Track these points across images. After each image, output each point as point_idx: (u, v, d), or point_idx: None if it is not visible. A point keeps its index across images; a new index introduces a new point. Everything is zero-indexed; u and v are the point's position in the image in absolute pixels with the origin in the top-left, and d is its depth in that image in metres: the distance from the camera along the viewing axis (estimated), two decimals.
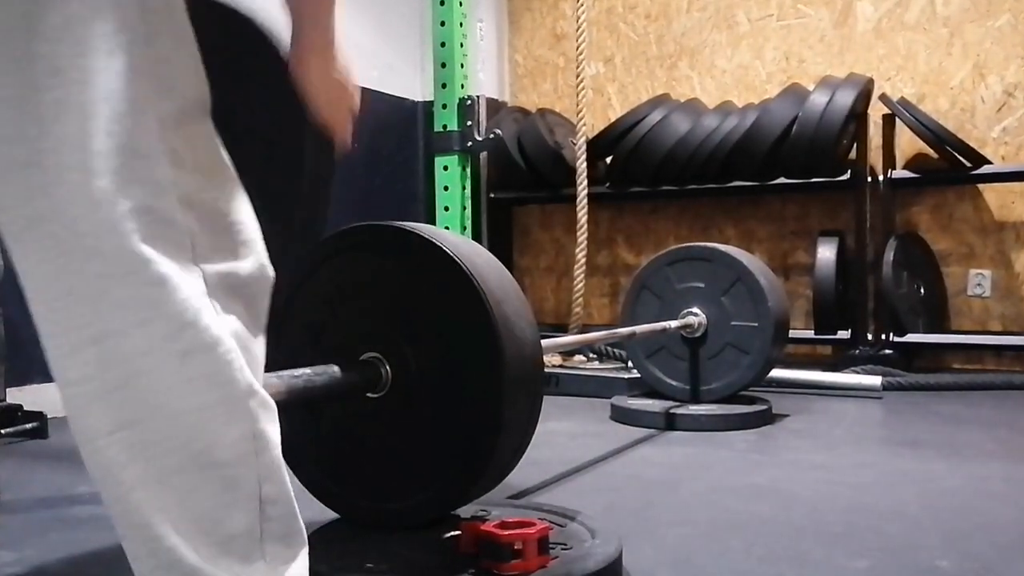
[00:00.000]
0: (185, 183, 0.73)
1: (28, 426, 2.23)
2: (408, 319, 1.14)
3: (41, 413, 2.26)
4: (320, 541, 1.17)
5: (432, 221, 2.54)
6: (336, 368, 1.10)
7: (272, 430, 0.76)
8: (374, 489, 1.19)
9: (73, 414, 0.70)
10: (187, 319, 0.69)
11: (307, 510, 1.21)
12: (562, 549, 1.11)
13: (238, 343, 0.74)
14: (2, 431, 2.18)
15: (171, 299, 0.69)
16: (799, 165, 3.24)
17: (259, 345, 0.80)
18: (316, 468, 1.23)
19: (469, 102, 2.47)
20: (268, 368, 1.11)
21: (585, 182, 3.10)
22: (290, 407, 1.07)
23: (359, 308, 1.19)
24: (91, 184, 0.67)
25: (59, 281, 0.68)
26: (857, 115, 3.24)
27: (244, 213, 0.79)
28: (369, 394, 1.15)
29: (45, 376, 2.70)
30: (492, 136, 2.61)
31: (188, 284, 0.70)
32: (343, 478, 1.22)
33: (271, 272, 0.81)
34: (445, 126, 2.49)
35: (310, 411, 1.21)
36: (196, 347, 0.70)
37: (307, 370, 1.07)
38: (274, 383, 1.00)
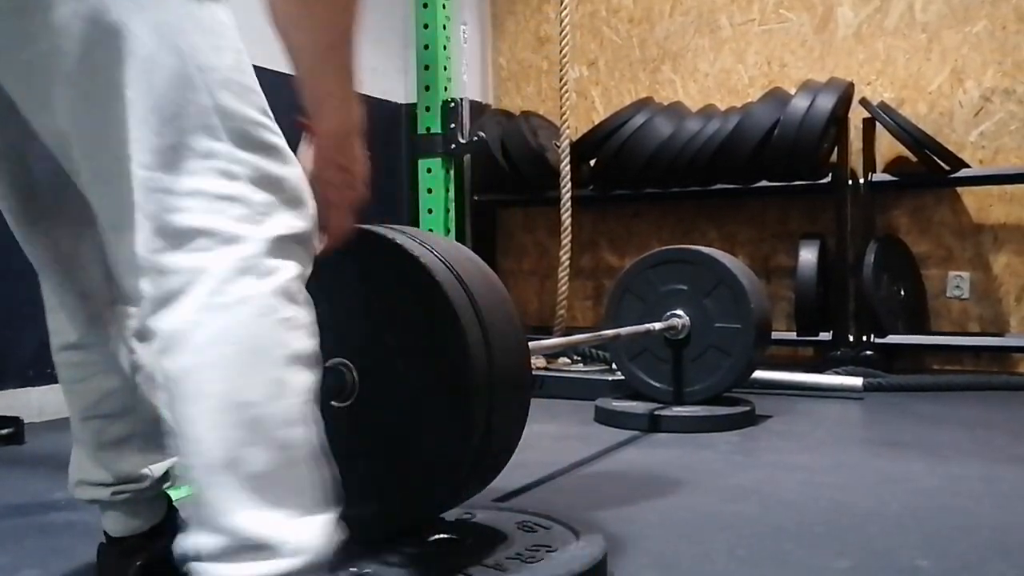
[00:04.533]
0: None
1: (4, 431, 2.20)
2: (385, 324, 1.12)
3: (17, 419, 2.23)
4: None
5: (416, 223, 2.54)
6: None
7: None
8: (351, 497, 1.16)
9: None
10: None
11: None
12: (546, 551, 1.11)
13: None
14: None
15: None
16: (781, 168, 3.26)
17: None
18: None
19: (453, 105, 2.47)
20: None
21: (569, 185, 3.11)
22: None
23: (329, 313, 1.16)
24: None
25: None
26: (838, 119, 3.27)
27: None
28: (334, 402, 1.12)
29: (22, 380, 2.69)
30: (476, 139, 2.62)
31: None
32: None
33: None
34: (429, 129, 2.48)
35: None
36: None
37: None
38: None
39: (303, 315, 0.84)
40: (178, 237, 0.79)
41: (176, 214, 0.79)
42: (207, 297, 0.78)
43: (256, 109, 0.88)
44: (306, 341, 0.84)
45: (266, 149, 0.87)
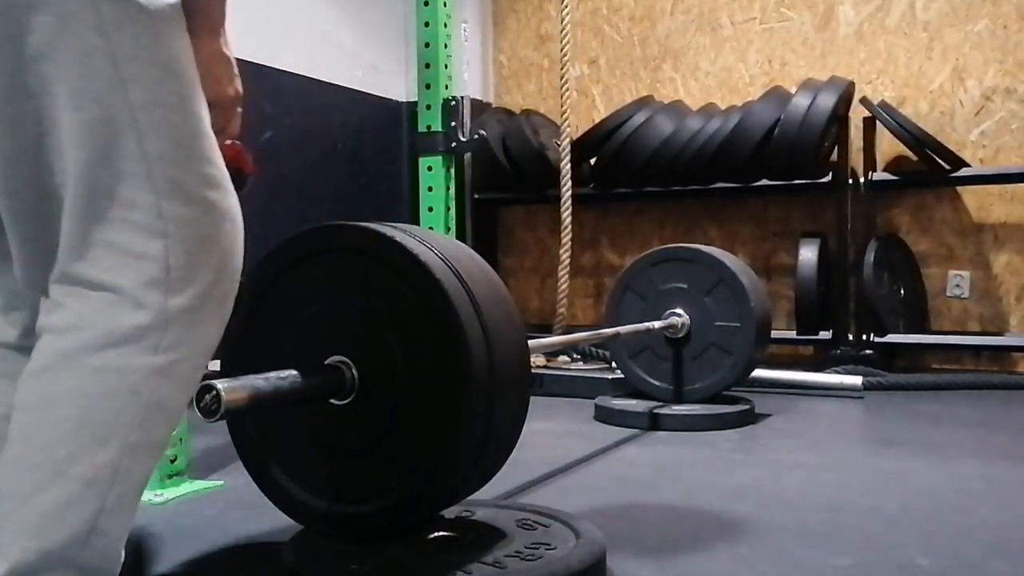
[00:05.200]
0: None
1: None
2: (386, 322, 1.11)
3: None
4: (303, 542, 1.17)
5: (416, 221, 2.54)
6: (297, 373, 1.06)
7: None
8: (349, 495, 1.16)
9: None
10: None
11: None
12: (546, 549, 1.11)
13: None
14: None
15: None
16: (781, 167, 3.26)
17: None
18: (284, 475, 1.20)
19: (453, 103, 2.46)
20: (236, 372, 1.09)
21: (569, 183, 3.11)
22: (254, 411, 1.05)
23: (329, 311, 1.16)
24: None
25: None
26: (839, 118, 3.27)
27: None
28: (334, 400, 1.12)
29: None
30: (476, 137, 2.61)
31: None
32: (315, 485, 1.18)
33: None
34: (429, 127, 2.47)
35: (277, 415, 1.18)
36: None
37: (271, 374, 1.04)
38: (239, 386, 0.99)
39: (176, 403, 0.79)
40: (80, 283, 0.75)
41: (82, 263, 0.75)
42: (81, 353, 0.73)
43: (197, 158, 0.80)
44: (164, 432, 0.78)
45: (201, 204, 0.79)
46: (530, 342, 1.24)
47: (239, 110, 0.95)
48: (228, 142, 0.96)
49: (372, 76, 3.80)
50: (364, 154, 3.75)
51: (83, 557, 0.75)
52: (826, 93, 3.19)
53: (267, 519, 1.36)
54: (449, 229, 2.51)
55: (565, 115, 3.10)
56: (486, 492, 1.28)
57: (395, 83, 3.93)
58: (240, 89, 0.93)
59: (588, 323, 3.97)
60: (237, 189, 0.95)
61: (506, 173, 3.73)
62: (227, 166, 0.93)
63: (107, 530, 0.77)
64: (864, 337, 3.26)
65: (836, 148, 3.34)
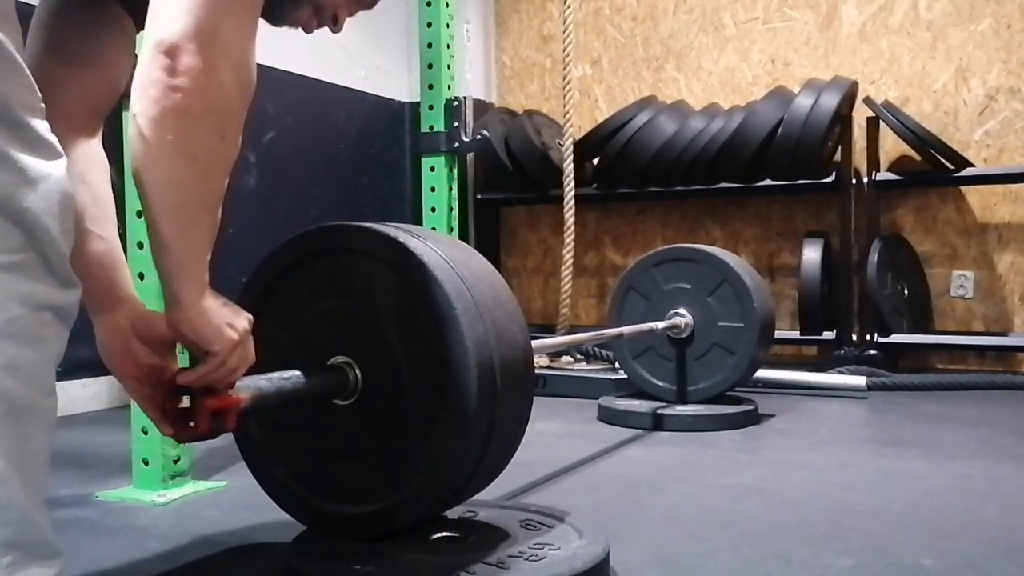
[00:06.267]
0: None
1: None
2: (389, 322, 1.11)
3: None
4: (306, 542, 1.17)
5: (419, 222, 2.54)
6: (301, 373, 1.06)
7: None
8: (352, 495, 1.15)
9: None
10: None
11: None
12: (550, 550, 1.11)
13: None
14: None
15: None
16: (785, 167, 3.26)
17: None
18: (287, 475, 1.20)
19: (456, 103, 2.46)
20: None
21: (572, 183, 3.10)
22: (258, 411, 1.05)
23: (332, 311, 1.15)
24: None
25: None
26: (842, 117, 3.27)
27: None
28: (337, 400, 1.12)
29: None
30: (479, 137, 2.61)
31: None
32: (318, 485, 1.18)
33: None
34: (432, 127, 2.47)
35: (281, 416, 1.17)
36: None
37: (274, 375, 1.04)
38: (243, 387, 0.99)
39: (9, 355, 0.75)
40: None
41: None
42: None
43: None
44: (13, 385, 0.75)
45: None
46: (533, 342, 1.24)
47: (236, 359, 0.94)
48: (228, 394, 0.96)
49: (375, 76, 3.80)
50: (367, 154, 3.75)
51: None
52: (829, 93, 3.18)
53: (270, 519, 1.36)
54: (452, 229, 2.51)
55: (568, 115, 3.10)
56: (490, 492, 1.28)
57: (398, 83, 3.93)
58: (233, 335, 0.92)
59: (591, 323, 3.97)
60: (211, 436, 0.95)
61: (509, 173, 3.73)
62: (210, 416, 0.93)
63: None
64: (868, 337, 3.25)
65: (839, 148, 3.34)
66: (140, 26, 0.96)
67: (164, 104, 0.81)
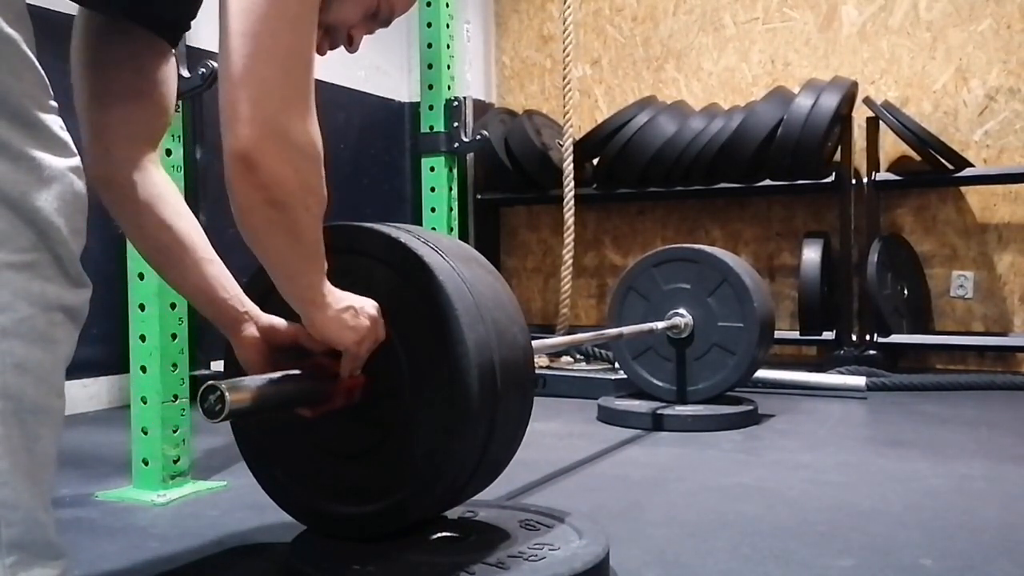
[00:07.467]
0: None
1: None
2: (389, 323, 1.10)
3: None
4: (306, 542, 1.17)
5: (418, 222, 2.54)
6: (301, 373, 1.06)
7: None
8: (353, 495, 1.15)
9: None
10: None
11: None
12: (549, 550, 1.11)
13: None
14: None
15: None
16: (784, 167, 3.26)
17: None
18: (286, 475, 1.20)
19: (456, 103, 2.46)
20: (238, 372, 1.09)
21: (572, 183, 3.11)
22: (260, 412, 1.04)
23: None
24: None
25: None
26: (842, 118, 3.27)
27: None
28: None
29: None
30: (479, 137, 2.61)
31: None
32: (318, 485, 1.18)
33: None
34: (432, 127, 2.47)
35: (283, 416, 1.16)
36: None
37: (275, 375, 1.04)
38: (243, 387, 0.99)
39: (29, 358, 0.76)
40: None
41: None
42: None
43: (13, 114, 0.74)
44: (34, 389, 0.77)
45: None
46: (533, 343, 1.24)
47: (365, 348, 1.07)
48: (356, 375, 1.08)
49: (375, 77, 3.80)
50: (367, 155, 3.75)
51: None
52: (829, 93, 3.18)
53: (270, 519, 1.36)
54: (451, 229, 2.51)
55: (567, 115, 3.10)
56: (490, 492, 1.28)
57: (398, 84, 3.94)
58: (353, 336, 1.04)
59: (591, 323, 3.97)
60: (317, 406, 1.08)
61: (508, 173, 3.73)
62: (334, 391, 1.07)
63: None
64: (868, 337, 3.26)
65: (839, 148, 3.34)
66: (173, 43, 1.08)
67: (253, 201, 0.90)
